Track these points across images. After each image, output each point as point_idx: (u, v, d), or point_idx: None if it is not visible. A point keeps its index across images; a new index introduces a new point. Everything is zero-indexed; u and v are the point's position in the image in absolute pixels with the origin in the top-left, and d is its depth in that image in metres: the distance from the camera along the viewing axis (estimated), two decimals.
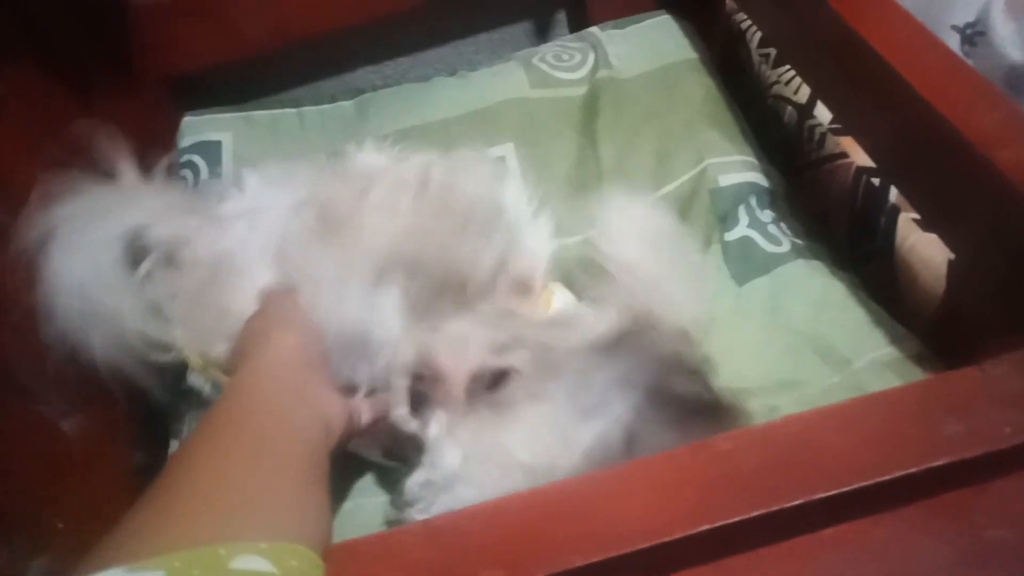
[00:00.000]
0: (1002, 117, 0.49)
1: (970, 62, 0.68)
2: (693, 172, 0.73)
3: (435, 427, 0.49)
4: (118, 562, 0.29)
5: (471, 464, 0.47)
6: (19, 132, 0.64)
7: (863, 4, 0.59)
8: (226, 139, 0.82)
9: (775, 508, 0.34)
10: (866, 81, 0.58)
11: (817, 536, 0.34)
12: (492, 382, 0.49)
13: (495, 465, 0.47)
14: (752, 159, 0.75)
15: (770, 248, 0.68)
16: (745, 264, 0.68)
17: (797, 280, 0.65)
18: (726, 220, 0.71)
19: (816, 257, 0.67)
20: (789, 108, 0.80)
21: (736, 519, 0.33)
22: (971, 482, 0.34)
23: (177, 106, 0.88)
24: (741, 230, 0.70)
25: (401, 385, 0.51)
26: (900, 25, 0.58)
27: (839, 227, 0.74)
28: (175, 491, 0.35)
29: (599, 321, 0.56)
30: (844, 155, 0.73)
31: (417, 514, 0.48)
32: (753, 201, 0.73)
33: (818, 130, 0.76)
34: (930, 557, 0.33)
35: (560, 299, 0.63)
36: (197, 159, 0.80)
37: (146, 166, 0.81)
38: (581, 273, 0.68)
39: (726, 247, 0.69)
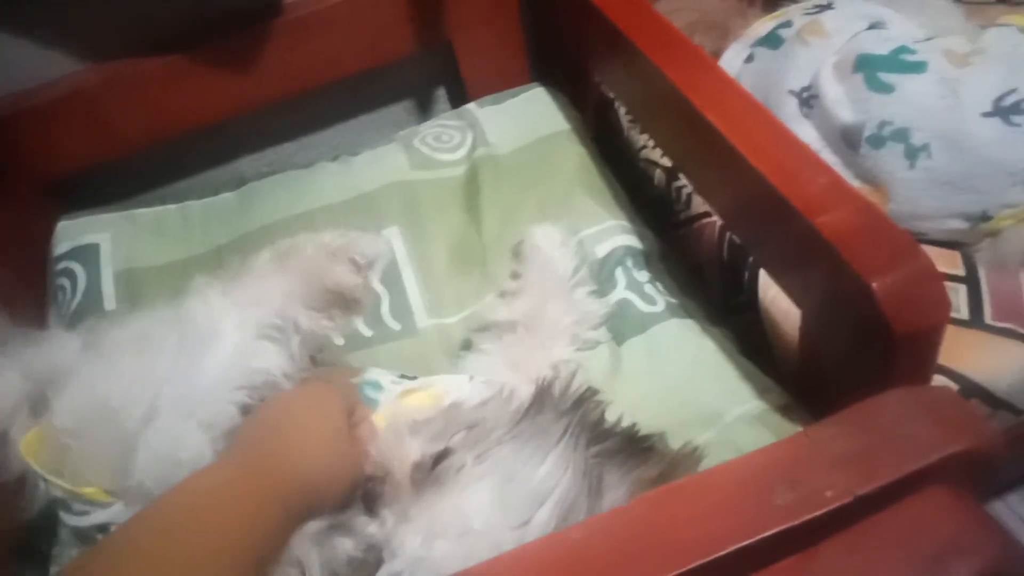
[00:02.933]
0: (825, 184, 0.54)
1: (809, 122, 0.73)
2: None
3: (390, 520, 0.48)
4: None
5: (431, 543, 0.46)
6: None
7: (700, 81, 0.64)
8: (104, 241, 0.81)
9: None
10: (708, 151, 0.62)
11: None
12: (433, 465, 0.49)
13: (453, 538, 0.45)
14: (626, 223, 0.78)
15: (646, 308, 0.71)
16: (623, 324, 0.70)
17: (671, 339, 0.68)
18: (604, 286, 0.73)
19: (689, 315, 0.70)
20: (658, 171, 0.84)
21: None
22: (801, 547, 0.37)
23: (57, 210, 0.87)
24: (619, 292, 0.73)
25: (357, 492, 0.51)
26: (734, 99, 0.62)
27: (712, 282, 0.78)
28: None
29: (512, 393, 0.57)
30: (708, 214, 0.77)
31: None
32: (629, 263, 0.75)
33: (684, 191, 0.80)
34: None
35: (451, 388, 0.62)
36: (74, 266, 0.79)
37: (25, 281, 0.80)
38: (464, 351, 0.70)
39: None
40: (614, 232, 0.77)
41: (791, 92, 0.73)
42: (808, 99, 0.73)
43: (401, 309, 0.76)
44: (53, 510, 0.63)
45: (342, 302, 0.68)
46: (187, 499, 0.43)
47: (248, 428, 0.51)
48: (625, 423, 0.54)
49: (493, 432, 0.50)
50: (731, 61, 0.82)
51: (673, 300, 0.72)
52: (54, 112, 0.85)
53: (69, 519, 0.57)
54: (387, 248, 0.78)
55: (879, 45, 0.69)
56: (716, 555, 0.36)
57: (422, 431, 0.51)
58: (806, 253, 0.54)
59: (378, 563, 0.47)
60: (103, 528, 0.56)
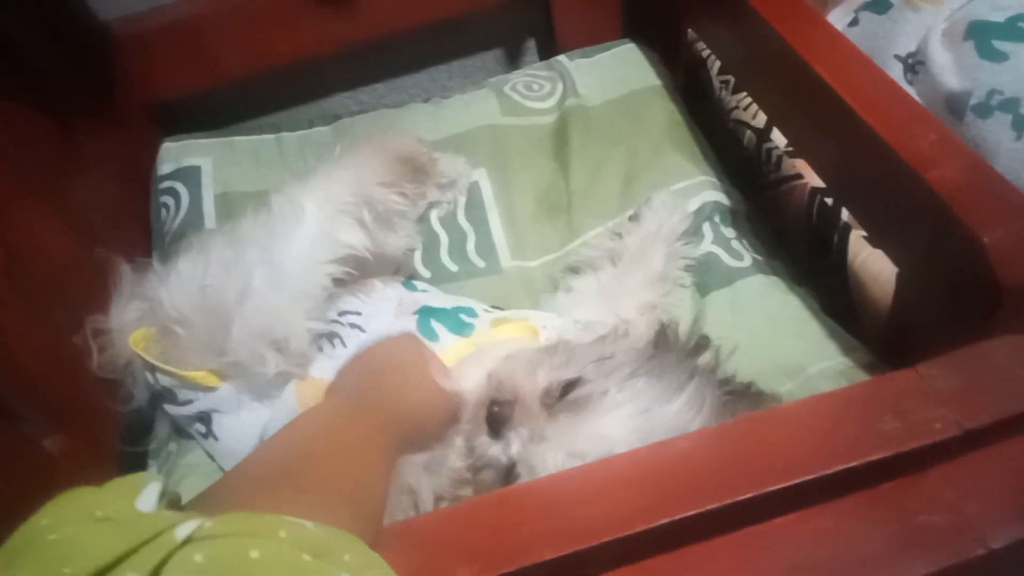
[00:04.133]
0: (936, 139, 0.53)
1: (913, 89, 0.72)
2: None
3: (516, 442, 0.50)
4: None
5: (572, 462, 0.46)
6: (3, 163, 0.66)
7: (810, 35, 0.63)
8: (206, 164, 0.84)
9: (728, 501, 0.36)
10: (813, 106, 0.62)
11: (768, 525, 0.37)
12: (563, 392, 0.51)
13: (594, 458, 0.45)
14: (714, 179, 0.79)
15: (732, 263, 0.71)
16: (708, 277, 0.71)
17: (755, 294, 0.68)
18: (691, 239, 0.74)
19: (775, 273, 0.71)
20: (748, 132, 0.84)
21: (692, 512, 0.36)
22: (905, 473, 0.37)
23: (159, 133, 0.90)
24: (705, 246, 0.74)
25: (479, 414, 0.52)
26: (844, 54, 0.62)
27: (798, 244, 0.78)
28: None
29: (627, 331, 0.59)
30: (799, 176, 0.77)
31: None
32: (717, 218, 0.76)
33: (775, 153, 0.80)
34: (869, 541, 0.36)
35: (544, 323, 0.64)
36: (178, 185, 0.82)
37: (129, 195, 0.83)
38: (544, 293, 0.72)
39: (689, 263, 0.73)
40: (703, 188, 0.77)
41: (897, 57, 0.73)
42: (914, 65, 0.72)
43: (486, 248, 0.78)
44: (149, 413, 0.67)
45: (411, 173, 0.70)
46: (303, 435, 0.45)
47: (350, 373, 0.54)
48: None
49: (625, 366, 0.51)
50: (833, 25, 0.81)
51: (759, 257, 0.72)
52: (161, 38, 0.88)
53: (172, 409, 0.61)
54: (467, 169, 0.80)
55: (994, 13, 0.68)
56: (819, 474, 0.37)
57: (546, 361, 0.53)
58: (912, 208, 0.54)
59: (507, 478, 0.49)
60: (203, 417, 0.59)
